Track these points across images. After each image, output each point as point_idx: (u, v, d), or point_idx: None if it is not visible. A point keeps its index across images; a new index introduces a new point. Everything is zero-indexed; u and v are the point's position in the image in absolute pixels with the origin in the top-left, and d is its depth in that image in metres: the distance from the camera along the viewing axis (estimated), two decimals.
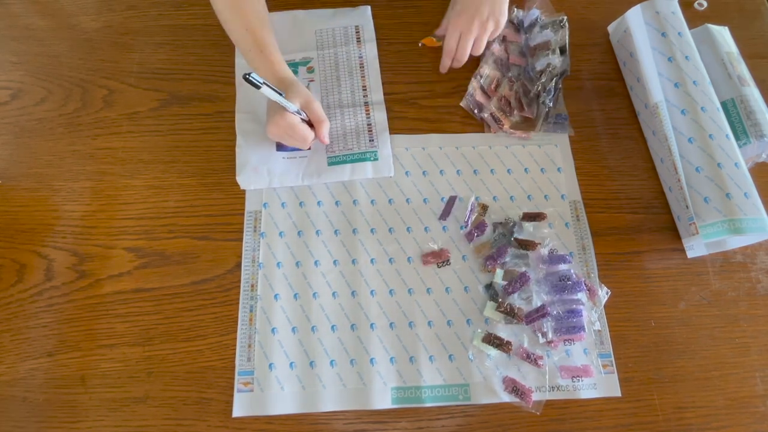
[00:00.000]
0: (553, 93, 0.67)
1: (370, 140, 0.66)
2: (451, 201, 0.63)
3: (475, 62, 0.71)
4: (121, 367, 0.55)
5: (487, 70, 0.70)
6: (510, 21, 0.73)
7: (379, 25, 0.74)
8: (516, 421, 0.55)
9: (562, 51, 0.70)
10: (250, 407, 0.54)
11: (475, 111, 0.68)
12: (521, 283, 0.58)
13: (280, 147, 0.65)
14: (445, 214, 0.62)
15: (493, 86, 0.70)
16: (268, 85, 0.51)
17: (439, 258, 0.60)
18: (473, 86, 0.69)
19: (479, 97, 0.69)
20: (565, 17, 0.71)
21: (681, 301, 0.60)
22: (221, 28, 0.68)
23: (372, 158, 0.65)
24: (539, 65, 0.68)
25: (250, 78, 0.49)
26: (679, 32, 0.66)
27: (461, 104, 0.69)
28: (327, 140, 0.62)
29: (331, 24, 0.74)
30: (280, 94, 0.54)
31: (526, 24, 0.72)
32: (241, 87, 0.69)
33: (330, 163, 0.65)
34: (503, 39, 0.72)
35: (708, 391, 0.57)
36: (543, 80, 0.68)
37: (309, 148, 0.65)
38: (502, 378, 0.56)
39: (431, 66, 0.72)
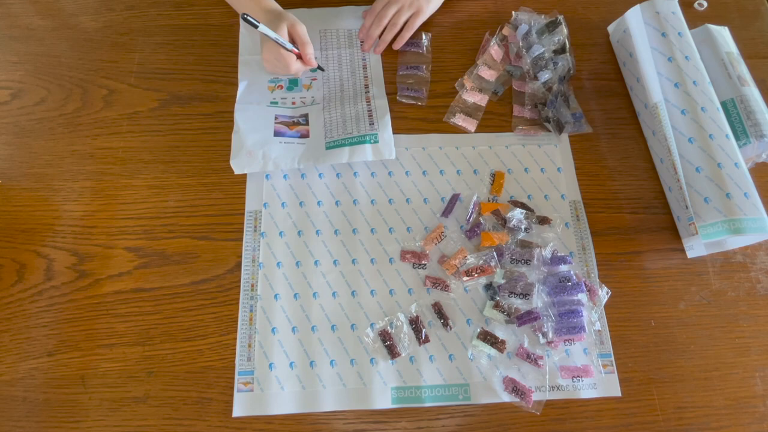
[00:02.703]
0: (554, 104, 0.67)
1: (370, 124, 0.66)
2: (454, 199, 0.63)
3: (472, 59, 0.71)
4: (121, 367, 0.55)
5: (484, 70, 0.70)
6: (509, 23, 0.73)
7: None
8: (516, 421, 0.55)
9: (563, 50, 0.70)
10: (250, 407, 0.54)
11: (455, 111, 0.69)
12: (519, 283, 0.58)
13: (277, 133, 0.65)
14: (447, 211, 0.62)
15: (482, 85, 0.70)
16: (264, 25, 0.60)
17: (417, 259, 0.60)
18: (463, 81, 0.70)
19: (467, 95, 0.69)
20: (560, 17, 0.70)
21: (681, 301, 0.60)
22: (221, 28, 0.68)
23: (372, 141, 0.64)
24: (541, 77, 0.68)
25: (248, 18, 0.57)
26: (679, 32, 0.66)
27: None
28: (314, 62, 0.65)
29: (335, 24, 0.74)
30: (278, 36, 0.61)
31: (519, 36, 0.72)
32: (244, 80, 0.69)
33: (328, 147, 0.64)
34: (503, 39, 0.72)
35: (708, 391, 0.57)
36: (545, 88, 0.68)
37: (307, 128, 0.66)
38: (502, 378, 0.56)
39: (431, 66, 0.72)
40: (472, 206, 0.62)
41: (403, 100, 0.69)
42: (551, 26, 0.70)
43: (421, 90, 0.69)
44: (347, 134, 0.65)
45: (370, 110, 0.67)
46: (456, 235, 0.62)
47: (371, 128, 0.65)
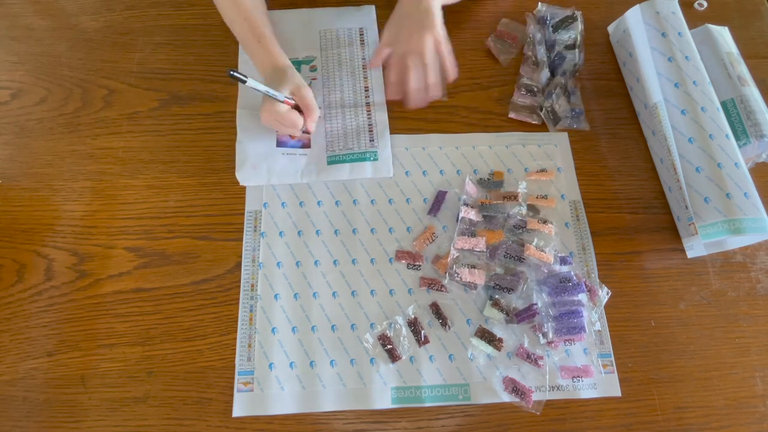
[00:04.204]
0: (552, 95, 0.67)
1: (370, 140, 0.66)
2: (441, 196, 0.63)
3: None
4: (121, 367, 0.55)
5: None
6: (532, 13, 0.73)
7: (380, 25, 0.74)
8: (516, 421, 0.55)
9: (574, 46, 0.70)
10: (250, 407, 0.54)
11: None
12: (518, 282, 0.58)
13: (280, 143, 0.65)
14: (434, 209, 0.62)
15: None
16: (253, 79, 0.55)
17: (412, 259, 0.60)
18: None
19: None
20: (578, 13, 0.70)
21: (681, 301, 0.60)
22: (221, 28, 0.68)
23: (372, 158, 0.65)
24: (541, 68, 0.69)
25: (234, 74, 0.52)
26: (679, 32, 0.66)
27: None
28: (312, 128, 0.62)
29: (336, 24, 0.74)
30: (267, 88, 0.56)
31: (534, 26, 0.72)
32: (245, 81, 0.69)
33: (329, 162, 0.65)
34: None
35: (708, 391, 0.57)
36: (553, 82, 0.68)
37: (309, 136, 0.66)
38: (502, 378, 0.56)
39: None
40: (462, 203, 0.62)
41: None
42: (567, 21, 0.70)
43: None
44: (348, 149, 0.65)
45: (371, 124, 0.67)
46: (449, 234, 0.62)
47: (371, 145, 0.65)
